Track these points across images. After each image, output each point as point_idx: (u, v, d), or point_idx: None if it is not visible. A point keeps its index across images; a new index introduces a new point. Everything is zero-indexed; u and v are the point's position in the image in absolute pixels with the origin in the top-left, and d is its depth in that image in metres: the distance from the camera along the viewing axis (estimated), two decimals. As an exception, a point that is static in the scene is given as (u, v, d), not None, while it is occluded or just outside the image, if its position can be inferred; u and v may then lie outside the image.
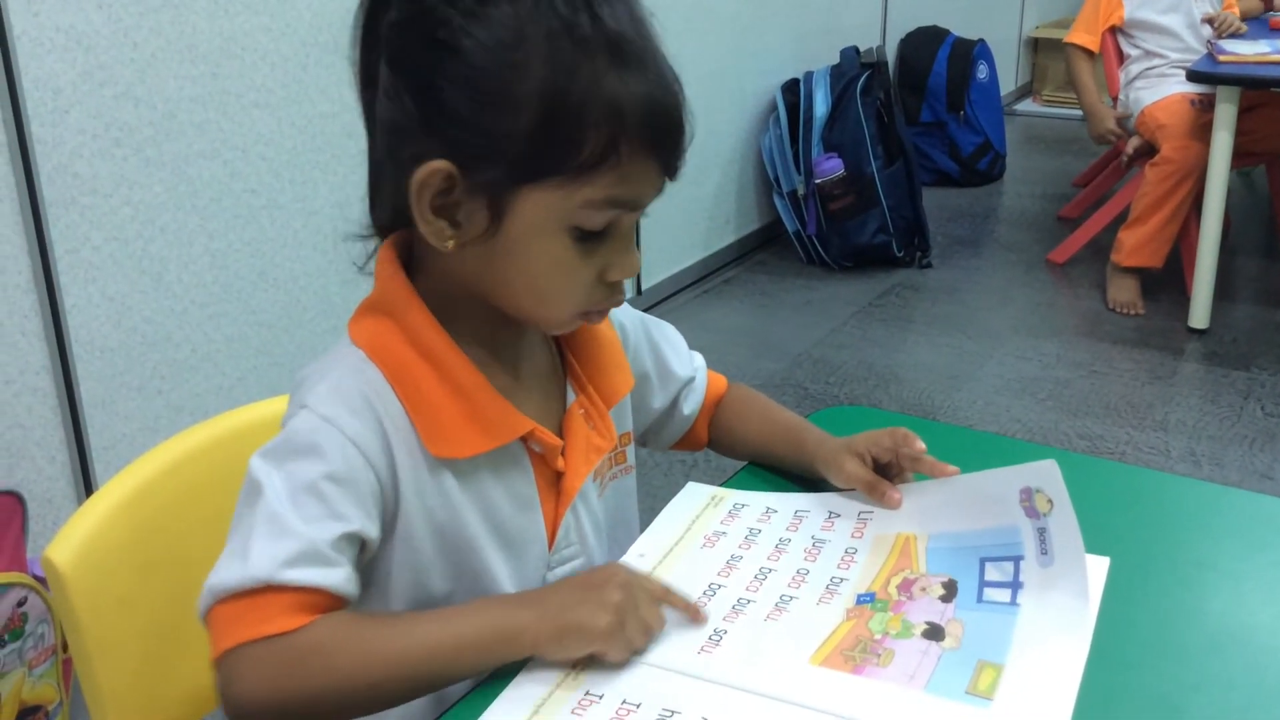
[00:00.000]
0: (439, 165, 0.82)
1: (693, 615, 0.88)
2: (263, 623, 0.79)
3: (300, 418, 0.84)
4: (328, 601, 0.81)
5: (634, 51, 0.82)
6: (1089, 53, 3.80)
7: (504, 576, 0.92)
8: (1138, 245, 3.47)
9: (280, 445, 0.84)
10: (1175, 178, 3.37)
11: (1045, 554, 0.91)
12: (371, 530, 0.85)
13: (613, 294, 0.89)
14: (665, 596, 0.88)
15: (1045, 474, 0.91)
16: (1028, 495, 0.92)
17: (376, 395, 0.86)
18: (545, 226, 0.84)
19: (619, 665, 0.83)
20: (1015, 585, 0.90)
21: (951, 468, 1.00)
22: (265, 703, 0.79)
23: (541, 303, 0.88)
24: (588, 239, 0.85)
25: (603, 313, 0.92)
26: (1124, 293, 3.53)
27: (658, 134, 0.83)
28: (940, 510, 0.99)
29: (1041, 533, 0.91)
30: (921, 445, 1.01)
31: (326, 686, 0.79)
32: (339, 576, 0.81)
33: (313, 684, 0.79)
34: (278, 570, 0.79)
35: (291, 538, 0.80)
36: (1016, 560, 0.91)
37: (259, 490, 0.82)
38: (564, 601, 0.83)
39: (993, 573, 0.91)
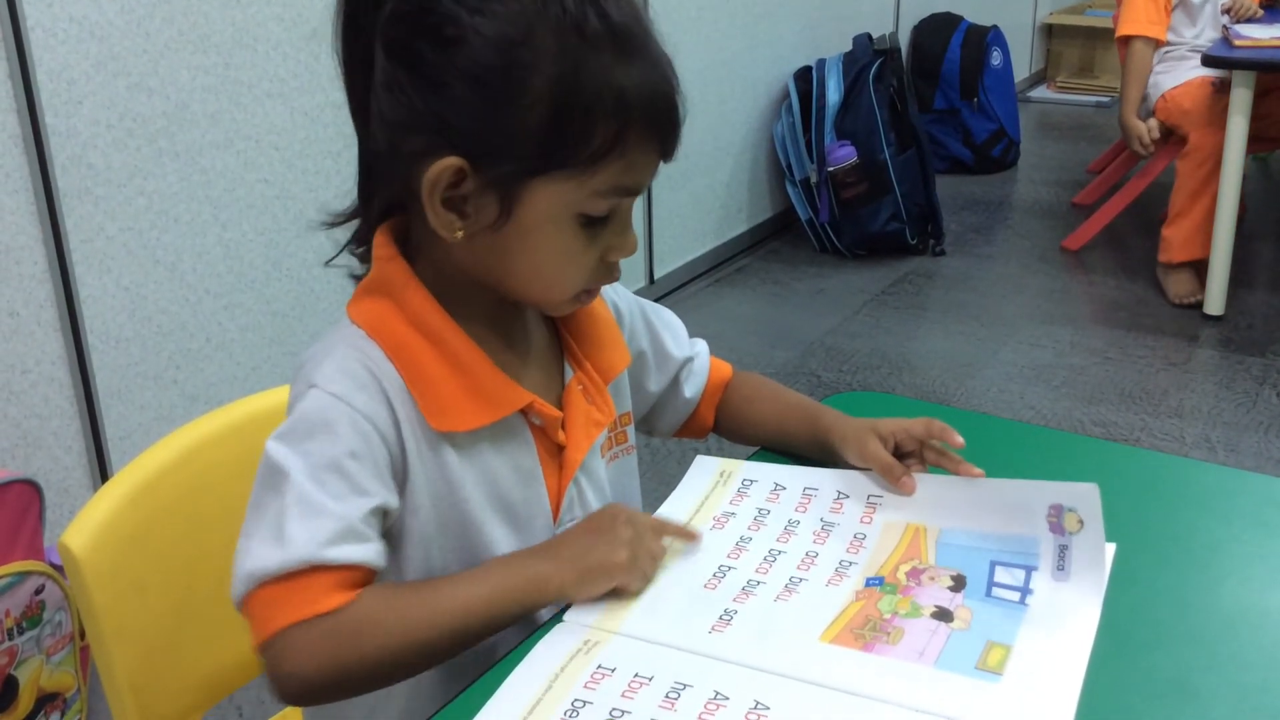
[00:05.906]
0: (451, 161, 0.83)
1: (688, 539, 0.95)
2: (310, 603, 0.80)
3: (310, 398, 0.85)
4: (365, 576, 0.84)
5: (636, 43, 0.83)
6: (1155, 45, 3.61)
7: (507, 549, 0.93)
8: (1186, 240, 3.39)
9: (295, 427, 0.85)
10: (1208, 165, 3.30)
11: (1062, 570, 0.89)
12: (393, 501, 0.87)
13: (610, 273, 0.91)
14: (662, 528, 0.94)
15: (1083, 496, 0.90)
16: (1057, 512, 0.91)
17: (379, 370, 0.87)
18: (555, 216, 0.85)
19: (636, 595, 0.88)
20: (1025, 590, 0.88)
21: (977, 470, 0.98)
22: (320, 680, 0.81)
23: (546, 287, 0.90)
24: (592, 224, 0.87)
25: (595, 291, 0.94)
26: (1182, 285, 3.44)
27: (660, 121, 0.85)
28: (956, 507, 0.97)
29: (1063, 550, 0.90)
30: (959, 440, 0.99)
31: (380, 655, 0.82)
32: (374, 551, 0.84)
33: (367, 655, 0.81)
34: (319, 550, 0.81)
35: (327, 517, 0.82)
36: (1029, 570, 0.90)
37: (281, 473, 0.83)
38: (578, 548, 0.89)
39: (1002, 576, 0.90)
